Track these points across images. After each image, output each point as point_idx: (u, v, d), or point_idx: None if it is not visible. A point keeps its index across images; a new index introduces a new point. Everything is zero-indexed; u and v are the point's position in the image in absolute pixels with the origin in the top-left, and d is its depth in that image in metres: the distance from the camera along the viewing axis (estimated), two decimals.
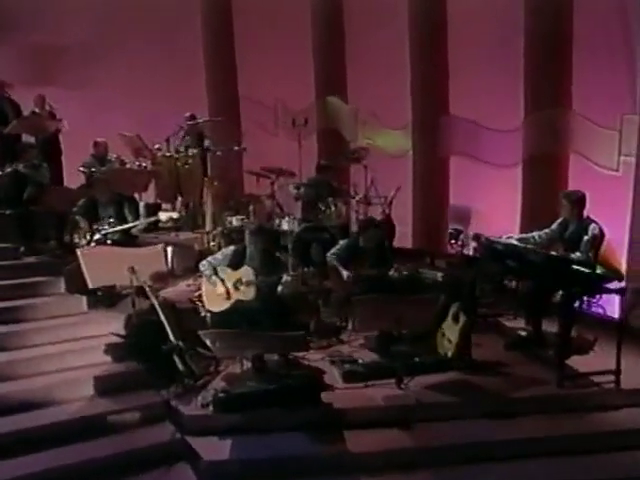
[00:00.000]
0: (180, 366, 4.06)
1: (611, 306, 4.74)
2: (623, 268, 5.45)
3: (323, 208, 6.08)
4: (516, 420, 3.81)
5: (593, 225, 4.45)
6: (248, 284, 4.33)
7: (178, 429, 3.82)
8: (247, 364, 4.20)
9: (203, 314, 4.73)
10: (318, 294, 4.95)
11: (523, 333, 4.84)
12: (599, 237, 4.47)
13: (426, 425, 3.79)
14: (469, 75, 6.52)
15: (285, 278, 4.29)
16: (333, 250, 4.90)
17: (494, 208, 6.50)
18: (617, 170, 5.70)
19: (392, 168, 7.15)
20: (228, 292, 4.37)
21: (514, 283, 5.37)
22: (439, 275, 5.20)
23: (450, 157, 6.98)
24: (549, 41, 5.95)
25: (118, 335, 4.44)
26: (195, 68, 8.15)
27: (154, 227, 5.98)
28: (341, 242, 5.01)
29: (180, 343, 4.07)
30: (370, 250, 4.78)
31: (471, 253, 5.62)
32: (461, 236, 7.15)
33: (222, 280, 4.38)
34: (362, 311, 3.84)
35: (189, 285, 5.37)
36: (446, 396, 3.99)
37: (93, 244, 4.99)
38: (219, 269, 4.41)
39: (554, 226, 4.69)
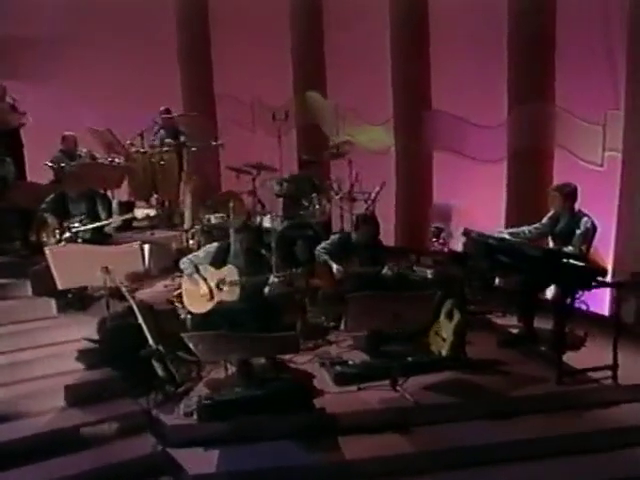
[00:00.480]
0: (160, 372, 3.76)
1: (594, 302, 4.65)
2: (606, 263, 5.37)
3: (307, 204, 5.84)
4: (517, 420, 3.64)
5: (586, 219, 4.34)
6: (232, 284, 4.04)
7: (160, 440, 3.51)
8: (232, 368, 3.93)
9: (183, 316, 4.43)
10: (305, 293, 4.70)
11: (515, 330, 4.69)
12: (592, 231, 4.36)
13: (425, 428, 3.58)
14: (452, 70, 6.36)
15: (272, 279, 4.01)
16: (323, 244, 4.67)
17: (478, 204, 6.36)
18: (602, 165, 5.64)
19: (374, 164, 6.94)
20: (211, 292, 4.08)
21: (502, 281, 5.25)
22: (429, 272, 5.01)
23: (433, 153, 6.82)
24: (532, 37, 5.82)
25: (91, 340, 4.12)
26: (169, 64, 7.79)
27: (128, 226, 5.63)
28: (332, 237, 4.78)
29: (160, 347, 3.76)
30: (362, 247, 4.56)
31: (458, 249, 5.45)
32: (442, 234, 7.03)
33: (204, 279, 4.08)
34: (356, 309, 3.61)
35: (166, 286, 5.05)
36: (444, 397, 3.79)
37: (63, 243, 4.61)
38: (201, 267, 4.11)
39: (545, 220, 4.57)
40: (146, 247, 4.18)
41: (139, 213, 4.78)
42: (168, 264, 5.14)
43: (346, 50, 7.13)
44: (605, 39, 5.49)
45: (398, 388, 3.81)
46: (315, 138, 7.48)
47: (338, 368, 4.03)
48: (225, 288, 4.06)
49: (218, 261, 4.12)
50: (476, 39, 6.19)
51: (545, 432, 3.55)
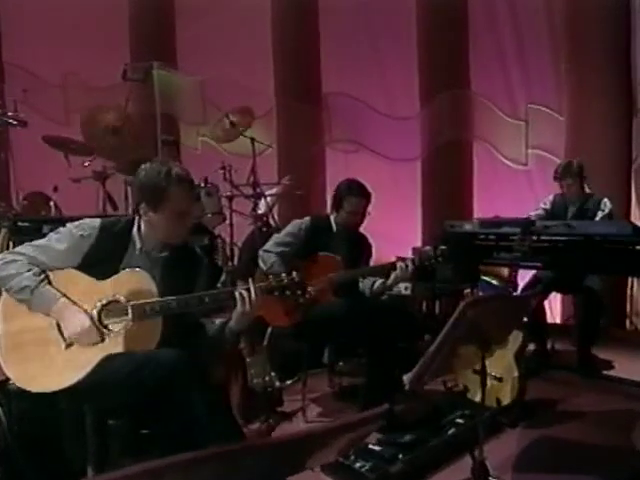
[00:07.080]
0: None
1: None
2: None
3: None
4: None
5: (605, 199, 3.21)
6: (138, 312, 1.60)
7: None
8: None
9: None
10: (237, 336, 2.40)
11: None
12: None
13: None
14: (351, 53, 4.93)
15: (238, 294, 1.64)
16: (275, 241, 2.49)
17: (387, 211, 4.94)
18: (526, 164, 4.79)
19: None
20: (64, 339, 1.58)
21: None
22: (404, 287, 3.23)
23: (326, 149, 5.17)
24: (443, 20, 4.79)
25: None
26: None
27: None
28: (289, 226, 2.58)
29: None
30: (344, 237, 2.54)
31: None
32: None
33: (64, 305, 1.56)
34: (467, 332, 1.59)
35: None
36: (558, 475, 1.99)
37: None
38: (56, 276, 1.56)
39: (540, 210, 3.29)
40: None
41: None
42: None
43: (209, 21, 5.10)
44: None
45: (493, 476, 1.88)
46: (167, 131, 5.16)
47: (366, 465, 1.90)
48: (122, 325, 1.59)
49: (104, 263, 1.60)
50: (376, 22, 4.90)
51: None
